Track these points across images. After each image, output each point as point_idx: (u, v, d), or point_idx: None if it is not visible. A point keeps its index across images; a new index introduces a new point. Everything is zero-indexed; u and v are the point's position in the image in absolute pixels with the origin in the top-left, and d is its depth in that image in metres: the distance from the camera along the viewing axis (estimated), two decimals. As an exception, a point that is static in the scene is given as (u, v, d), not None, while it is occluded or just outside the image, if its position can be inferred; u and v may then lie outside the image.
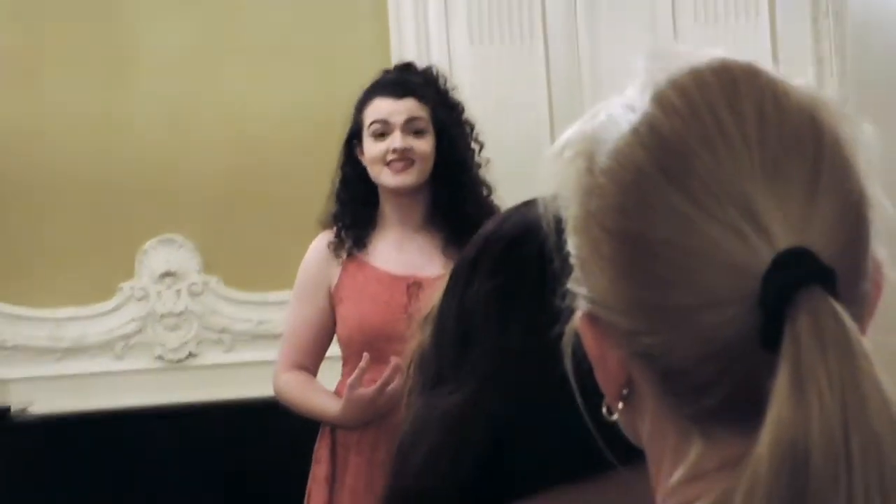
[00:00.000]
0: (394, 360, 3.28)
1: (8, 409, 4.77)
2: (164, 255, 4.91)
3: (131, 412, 4.78)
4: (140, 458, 4.67)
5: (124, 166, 4.87)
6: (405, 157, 3.44)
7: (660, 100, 0.91)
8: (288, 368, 3.55)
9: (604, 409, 0.97)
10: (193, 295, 4.92)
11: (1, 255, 4.87)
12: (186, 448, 4.66)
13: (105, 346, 4.92)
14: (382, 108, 3.48)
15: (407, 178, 3.45)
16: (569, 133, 0.95)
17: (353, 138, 3.53)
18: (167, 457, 4.68)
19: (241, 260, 4.86)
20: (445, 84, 3.59)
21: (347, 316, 3.47)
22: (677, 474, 0.92)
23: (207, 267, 4.89)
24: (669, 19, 4.75)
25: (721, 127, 0.89)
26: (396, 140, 3.44)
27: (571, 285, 0.94)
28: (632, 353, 0.91)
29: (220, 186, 4.84)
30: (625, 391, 0.94)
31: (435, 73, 3.59)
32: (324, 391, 3.52)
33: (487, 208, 3.44)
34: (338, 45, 4.77)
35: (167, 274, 4.91)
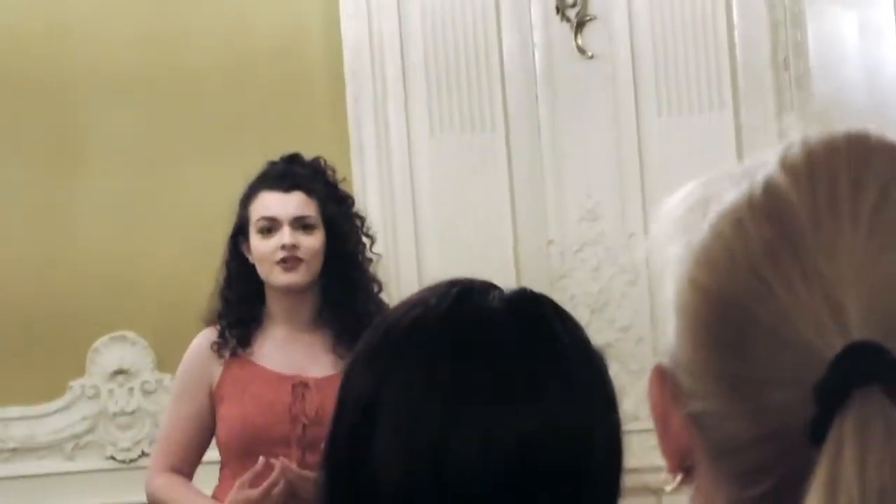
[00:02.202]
0: (281, 462, 3.19)
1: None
2: (116, 352, 4.83)
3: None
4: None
5: (74, 262, 4.79)
6: (294, 255, 3.34)
7: (784, 159, 0.86)
8: (162, 471, 3.43)
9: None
10: (146, 393, 4.83)
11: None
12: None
13: (55, 446, 4.81)
14: (270, 202, 3.39)
15: (297, 277, 3.35)
16: (698, 180, 0.92)
17: (239, 233, 3.44)
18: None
19: (195, 356, 4.76)
20: (334, 176, 3.51)
21: (228, 416, 3.36)
22: None
23: (161, 364, 4.79)
24: (632, 112, 4.71)
25: (834, 199, 0.83)
26: (285, 237, 3.34)
27: (663, 332, 0.90)
28: (687, 414, 0.87)
29: (172, 283, 4.75)
30: (687, 462, 0.89)
31: (323, 164, 3.50)
32: (201, 495, 3.40)
33: (378, 305, 3.34)
34: (295, 145, 4.70)
35: (119, 372, 4.82)
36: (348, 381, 1.31)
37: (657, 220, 0.92)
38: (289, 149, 4.69)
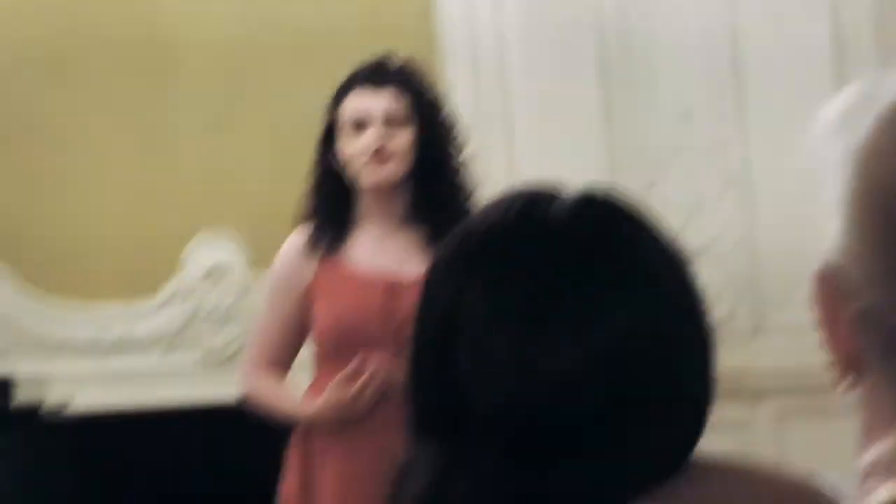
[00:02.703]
0: (374, 362, 3.20)
1: (38, 407, 4.69)
2: (210, 251, 4.84)
3: (174, 411, 4.70)
4: (176, 458, 4.60)
5: (170, 164, 4.82)
6: (383, 152, 3.33)
7: None
8: (258, 368, 3.45)
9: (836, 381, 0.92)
10: (240, 292, 4.84)
11: (48, 246, 4.82)
12: (228, 447, 4.59)
13: (150, 344, 4.85)
14: (360, 100, 3.37)
15: (386, 173, 3.33)
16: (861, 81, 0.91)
17: (329, 133, 3.43)
18: (210, 455, 4.60)
19: (288, 256, 4.78)
20: (426, 77, 3.48)
21: (321, 315, 3.35)
22: (887, 443, 0.88)
23: (255, 263, 4.81)
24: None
25: None
26: (376, 133, 3.33)
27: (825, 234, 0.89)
28: (855, 312, 0.86)
29: (266, 181, 4.77)
30: (855, 365, 0.89)
31: (414, 64, 3.48)
32: (296, 397, 3.42)
33: (469, 206, 3.33)
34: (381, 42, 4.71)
35: (213, 270, 4.84)
36: (428, 290, 1.28)
37: (818, 120, 0.91)
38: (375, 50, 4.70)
